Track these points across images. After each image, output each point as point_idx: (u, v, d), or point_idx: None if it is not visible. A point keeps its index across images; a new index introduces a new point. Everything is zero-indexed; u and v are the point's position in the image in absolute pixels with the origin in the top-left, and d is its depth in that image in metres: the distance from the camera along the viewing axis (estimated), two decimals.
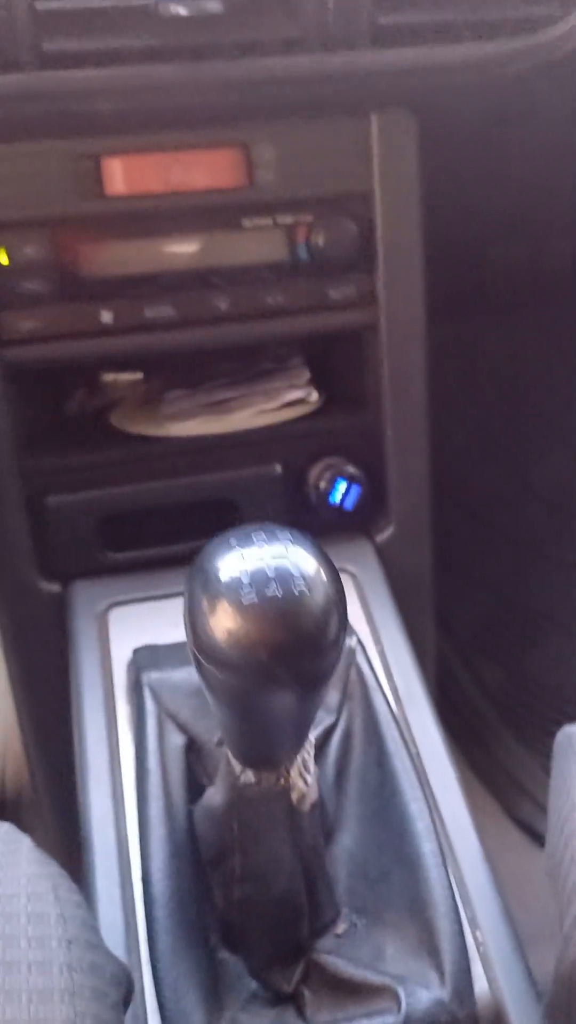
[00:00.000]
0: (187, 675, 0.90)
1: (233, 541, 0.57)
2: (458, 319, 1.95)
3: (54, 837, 1.27)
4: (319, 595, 0.55)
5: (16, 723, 1.21)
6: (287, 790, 0.65)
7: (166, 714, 0.87)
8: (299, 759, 0.65)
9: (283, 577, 0.55)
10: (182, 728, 0.87)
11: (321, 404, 1.14)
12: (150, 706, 0.88)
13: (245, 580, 0.54)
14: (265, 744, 0.62)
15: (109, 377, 1.22)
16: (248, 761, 0.64)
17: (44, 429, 1.08)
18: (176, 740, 0.85)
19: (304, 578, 0.55)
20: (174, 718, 0.87)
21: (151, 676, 0.90)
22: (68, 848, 1.23)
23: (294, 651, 0.54)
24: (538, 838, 1.43)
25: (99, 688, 0.94)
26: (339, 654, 0.57)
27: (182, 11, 0.80)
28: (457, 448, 2.10)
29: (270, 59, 0.85)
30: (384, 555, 1.12)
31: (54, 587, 1.07)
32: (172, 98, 0.87)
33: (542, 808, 1.47)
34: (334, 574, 0.58)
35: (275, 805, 0.66)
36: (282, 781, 0.64)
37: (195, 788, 0.84)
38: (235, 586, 0.55)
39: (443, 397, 2.04)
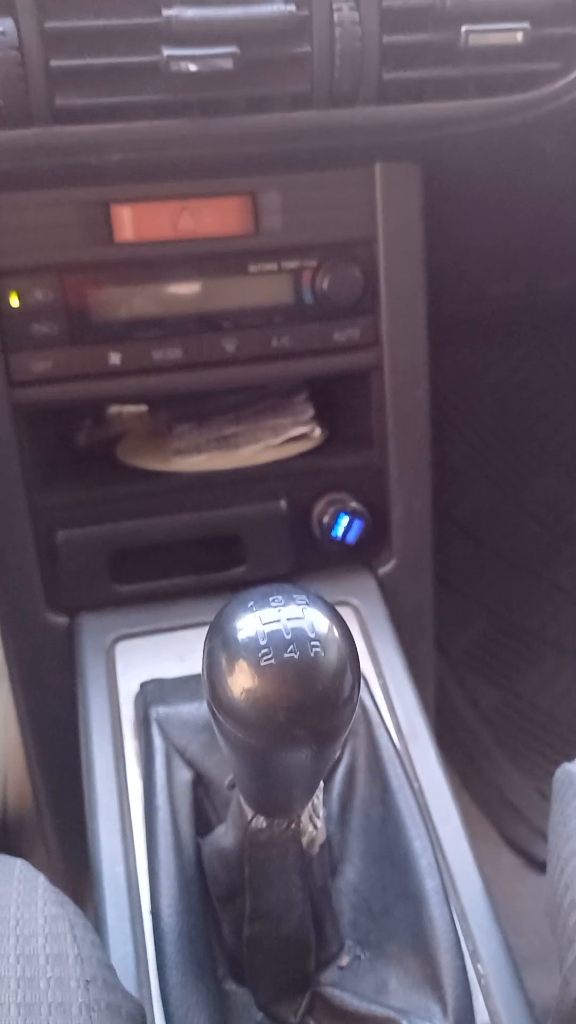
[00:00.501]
0: (195, 710, 0.92)
1: (251, 603, 0.59)
2: (455, 343, 1.98)
3: (56, 861, 1.29)
4: (334, 655, 0.58)
5: (19, 748, 1.23)
6: (298, 835, 0.67)
7: (174, 749, 0.89)
8: (309, 804, 0.67)
9: (299, 639, 0.57)
10: (190, 763, 0.88)
11: (324, 439, 1.16)
12: (158, 742, 0.89)
13: (263, 642, 0.57)
14: (279, 795, 0.64)
15: (115, 410, 1.24)
16: (261, 809, 0.66)
17: (53, 463, 1.10)
18: (184, 776, 0.87)
19: (319, 639, 0.57)
20: (182, 753, 0.89)
21: (159, 711, 0.92)
22: (69, 871, 1.25)
23: (311, 711, 0.57)
24: (533, 861, 1.45)
25: (107, 723, 0.96)
26: (353, 710, 0.60)
27: (192, 68, 0.82)
28: (453, 467, 2.13)
29: (278, 114, 0.88)
30: (386, 587, 1.15)
31: (61, 619, 1.09)
32: (182, 151, 0.89)
33: (536, 831, 1.49)
34: (347, 634, 0.60)
35: (286, 849, 0.68)
36: (293, 826, 0.67)
37: (203, 822, 0.86)
38: (254, 647, 0.57)
39: (439, 417, 2.07)
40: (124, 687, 1.00)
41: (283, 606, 0.59)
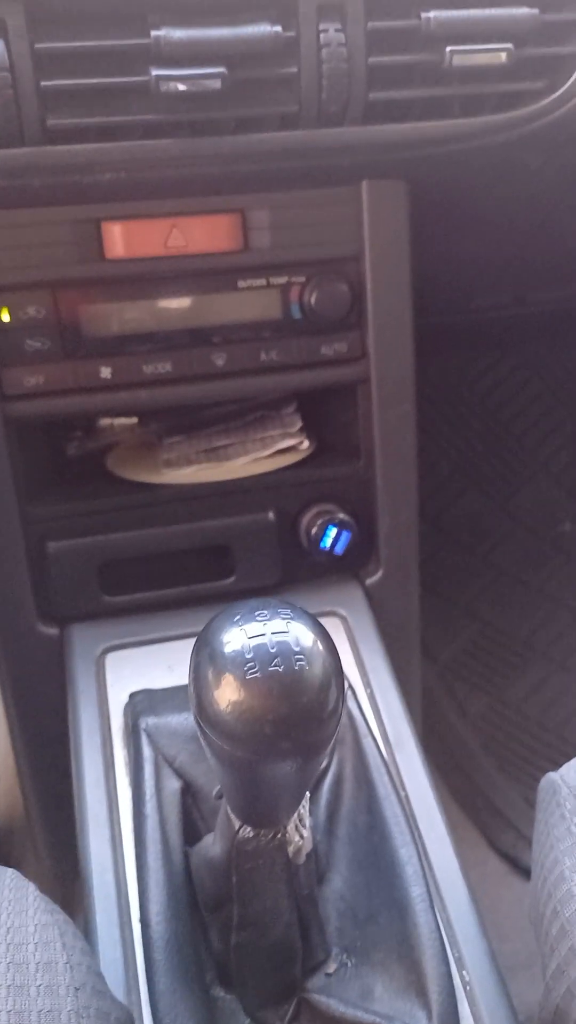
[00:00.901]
0: (183, 720, 0.93)
1: (237, 617, 0.60)
2: (445, 351, 2.00)
3: (46, 868, 1.30)
4: (318, 669, 0.59)
5: (10, 757, 1.24)
6: (284, 845, 0.68)
7: (163, 759, 0.90)
8: (296, 814, 0.69)
9: (284, 653, 0.58)
10: (178, 773, 0.90)
11: (312, 451, 1.18)
12: (147, 751, 0.91)
13: (249, 655, 0.58)
14: (265, 806, 0.65)
15: (106, 421, 1.25)
16: (248, 820, 0.67)
17: (44, 475, 1.11)
18: (172, 785, 0.88)
19: (304, 653, 0.59)
20: (170, 763, 0.90)
21: (148, 721, 0.93)
22: (59, 878, 1.26)
23: (296, 724, 0.58)
24: (519, 868, 1.46)
25: (97, 733, 0.97)
26: (338, 723, 0.61)
27: (181, 87, 0.84)
28: (441, 476, 2.14)
29: (267, 134, 0.89)
30: (373, 598, 1.16)
31: (52, 630, 1.10)
32: (172, 170, 0.91)
33: (523, 837, 1.50)
34: (332, 648, 0.61)
35: (273, 858, 0.69)
36: (280, 836, 0.68)
37: (191, 831, 0.87)
38: (239, 661, 0.58)
39: (428, 426, 2.09)
40: (114, 697, 1.01)
41: (268, 620, 0.60)
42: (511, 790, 1.61)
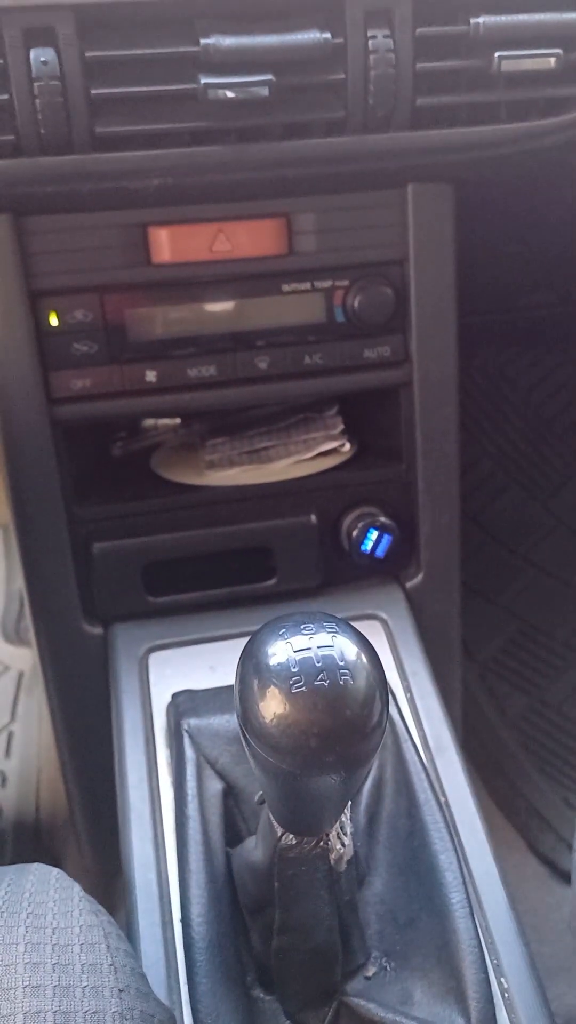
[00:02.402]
0: (225, 721, 0.94)
1: (283, 630, 0.61)
2: (487, 348, 1.99)
3: (88, 862, 1.31)
4: (363, 683, 0.59)
5: (53, 753, 1.26)
6: (326, 852, 0.69)
7: (205, 760, 0.91)
8: (338, 822, 0.69)
9: (329, 667, 0.59)
10: (220, 774, 0.90)
11: (354, 453, 1.18)
12: (189, 752, 0.92)
13: (294, 669, 0.58)
14: (308, 816, 0.66)
15: (150, 421, 1.26)
16: (290, 828, 0.67)
17: (90, 476, 1.12)
18: (215, 786, 0.89)
19: (348, 667, 0.59)
20: (213, 764, 0.91)
21: (190, 722, 0.94)
22: (101, 872, 1.28)
23: (340, 738, 0.58)
24: (559, 871, 1.45)
25: (140, 733, 0.98)
26: (382, 736, 0.61)
27: (229, 95, 0.84)
28: (483, 473, 2.13)
29: (313, 140, 0.89)
30: (414, 601, 1.16)
31: (96, 629, 1.12)
32: (218, 176, 0.91)
33: (564, 841, 1.50)
34: (376, 661, 0.62)
35: (315, 866, 0.69)
36: (322, 844, 0.68)
37: (233, 832, 0.88)
38: (285, 675, 0.59)
39: (470, 423, 2.08)
40: (157, 697, 1.02)
41: (314, 634, 0.60)
42: (551, 792, 1.60)
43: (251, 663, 0.61)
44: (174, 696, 1.00)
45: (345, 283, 1.03)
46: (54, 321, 0.99)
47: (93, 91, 0.84)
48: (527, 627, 1.97)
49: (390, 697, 0.98)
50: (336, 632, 0.61)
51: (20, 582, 1.13)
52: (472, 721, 1.77)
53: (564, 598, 2.01)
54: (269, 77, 0.83)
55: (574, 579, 2.04)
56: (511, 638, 1.95)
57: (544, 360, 2.10)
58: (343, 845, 0.70)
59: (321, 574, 1.14)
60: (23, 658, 1.76)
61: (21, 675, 1.76)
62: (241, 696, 0.61)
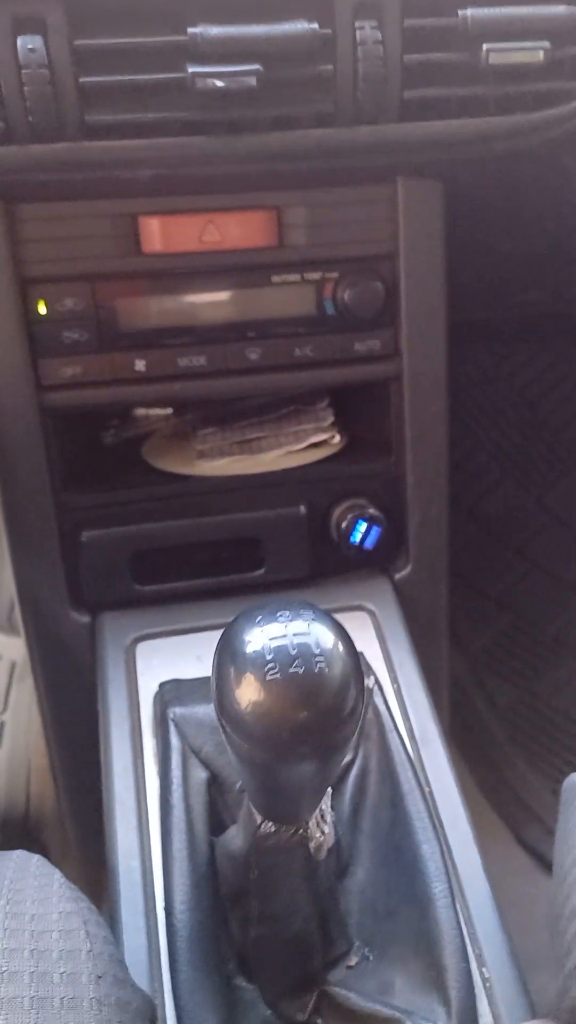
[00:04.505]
0: (210, 710, 0.93)
1: (259, 617, 0.61)
2: (482, 343, 1.99)
3: (75, 851, 1.32)
4: (338, 671, 0.60)
5: (42, 743, 1.26)
6: (305, 840, 0.69)
7: (190, 749, 0.92)
8: (317, 810, 0.69)
9: (305, 655, 0.59)
10: (205, 763, 0.91)
11: (344, 445, 1.18)
12: (175, 741, 0.92)
13: (269, 657, 0.59)
14: (286, 803, 0.66)
15: (141, 411, 1.26)
16: (269, 815, 0.68)
17: (80, 464, 1.12)
18: (199, 775, 0.90)
19: (324, 655, 0.59)
20: (198, 753, 0.91)
21: (176, 711, 0.95)
22: (88, 862, 1.28)
23: (315, 726, 0.59)
24: (545, 863, 1.46)
25: (126, 721, 0.98)
26: (357, 723, 0.62)
27: (218, 84, 0.84)
28: (478, 466, 2.14)
29: (302, 132, 0.89)
30: (402, 592, 1.16)
31: (84, 618, 1.12)
32: (208, 167, 0.91)
33: (549, 832, 1.50)
34: (352, 649, 0.62)
35: (293, 854, 0.70)
36: (301, 832, 0.69)
37: (217, 821, 0.88)
38: (260, 662, 0.59)
39: (466, 417, 2.08)
40: (144, 686, 1.02)
41: (289, 621, 0.61)
42: (539, 784, 1.61)
43: (227, 651, 0.61)
44: (161, 685, 1.00)
45: (335, 276, 1.03)
46: (43, 309, 0.99)
47: (82, 79, 0.84)
48: (519, 620, 1.98)
49: (376, 688, 0.99)
50: (312, 620, 0.61)
51: (9, 570, 1.13)
52: (462, 712, 1.77)
53: (556, 592, 2.02)
54: (257, 67, 0.83)
55: (566, 573, 2.05)
56: (502, 631, 1.96)
57: (539, 357, 2.11)
58: (323, 833, 0.70)
59: (309, 565, 1.15)
60: (15, 647, 1.75)
61: (13, 665, 1.76)
62: (217, 684, 0.61)
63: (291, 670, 0.58)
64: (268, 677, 0.58)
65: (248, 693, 0.59)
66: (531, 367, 2.11)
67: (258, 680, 0.59)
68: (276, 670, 0.58)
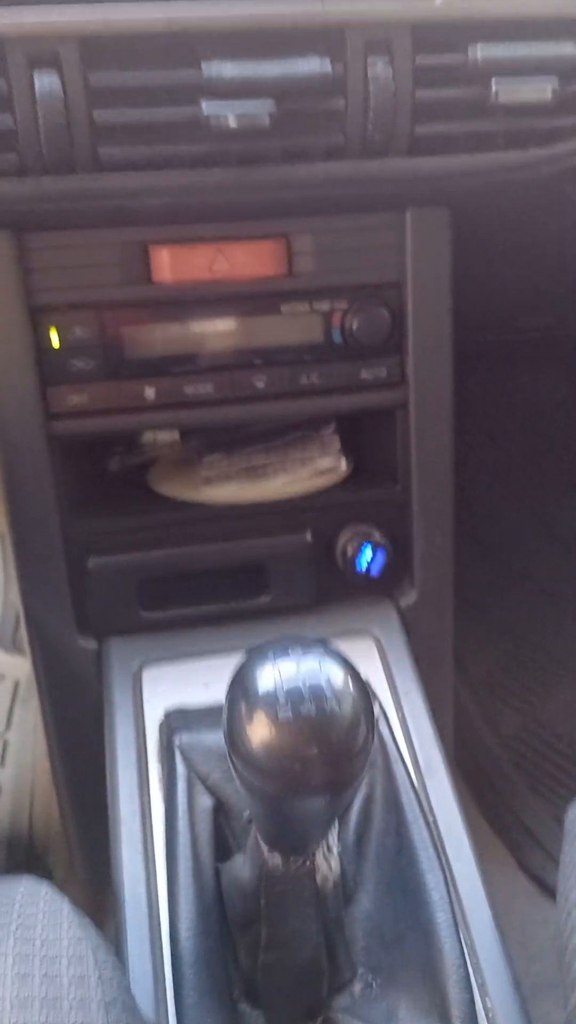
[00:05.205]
0: (217, 738, 0.94)
1: (270, 654, 0.62)
2: (484, 366, 2.00)
3: (79, 874, 1.32)
4: (348, 709, 0.60)
5: (47, 765, 1.26)
6: (313, 871, 0.70)
7: (196, 776, 0.92)
8: (324, 842, 0.70)
9: (316, 694, 0.60)
10: (211, 790, 0.91)
11: (350, 471, 1.19)
12: (180, 769, 0.92)
13: (281, 697, 0.59)
14: (294, 836, 0.67)
15: (148, 436, 1.27)
16: (277, 848, 0.68)
17: (86, 491, 1.13)
18: (205, 802, 0.90)
19: (335, 694, 0.60)
20: (204, 781, 0.92)
21: (182, 738, 0.95)
22: (92, 884, 1.28)
23: (326, 763, 0.59)
24: (547, 889, 1.46)
25: (132, 748, 0.99)
26: (367, 759, 0.62)
27: (232, 123, 0.85)
28: (479, 488, 2.14)
29: (312, 165, 0.90)
30: (407, 619, 1.17)
31: (90, 644, 1.13)
32: (218, 197, 0.92)
33: (552, 859, 1.50)
34: (362, 687, 0.63)
35: (301, 884, 0.70)
36: (308, 863, 0.69)
37: (223, 848, 0.89)
38: (272, 701, 0.60)
39: (468, 438, 2.09)
40: (150, 713, 1.02)
41: (301, 659, 0.61)
42: (542, 810, 1.61)
43: (239, 688, 0.62)
44: (167, 713, 1.01)
45: (343, 304, 1.04)
46: (53, 337, 1.00)
47: (96, 115, 0.85)
48: (521, 643, 1.98)
49: (381, 716, 0.99)
50: (323, 657, 0.62)
51: (16, 592, 1.13)
52: (464, 738, 1.77)
53: (559, 616, 2.02)
54: (270, 104, 0.85)
55: (569, 596, 2.05)
56: (505, 654, 1.96)
57: (542, 378, 2.12)
58: (330, 865, 0.70)
59: (315, 591, 1.15)
60: (19, 667, 1.76)
61: (17, 684, 1.76)
62: (229, 720, 0.62)
63: (302, 709, 0.59)
64: (280, 716, 0.59)
65: (260, 731, 0.59)
66: (533, 390, 2.13)
67: (270, 719, 0.59)
68: (288, 709, 0.59)
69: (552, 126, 0.93)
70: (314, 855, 0.69)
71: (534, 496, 2.16)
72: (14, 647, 1.83)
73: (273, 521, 1.13)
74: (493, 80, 0.88)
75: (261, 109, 0.84)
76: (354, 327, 1.04)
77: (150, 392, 1.04)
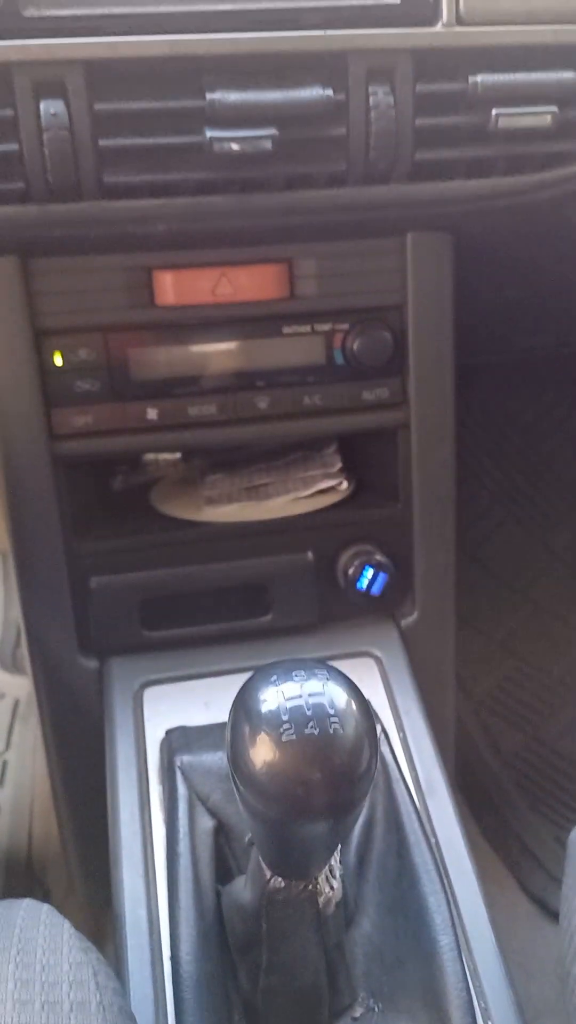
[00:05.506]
0: (218, 759, 0.95)
1: (274, 677, 0.62)
2: (485, 385, 2.01)
3: (79, 893, 1.32)
4: (352, 731, 0.60)
5: (46, 783, 1.26)
6: (315, 895, 0.69)
7: (197, 797, 0.92)
8: (327, 866, 0.70)
9: (319, 715, 0.60)
10: (212, 811, 0.91)
11: (351, 491, 1.19)
12: (181, 789, 0.92)
13: (284, 717, 0.60)
14: (297, 860, 0.67)
15: (151, 456, 1.28)
16: (279, 871, 0.68)
17: (90, 510, 1.13)
18: (206, 824, 0.90)
19: (339, 716, 0.60)
20: (204, 801, 0.92)
21: (183, 759, 0.95)
22: (92, 904, 1.28)
23: (329, 786, 0.59)
24: (548, 910, 1.46)
25: (133, 768, 0.99)
26: (371, 782, 0.62)
27: (234, 147, 0.86)
28: (481, 508, 2.15)
29: (315, 191, 0.91)
30: (408, 639, 1.17)
31: (92, 663, 1.13)
32: (222, 223, 0.93)
33: (553, 880, 1.50)
34: (365, 707, 0.63)
35: (303, 908, 0.70)
36: (310, 887, 0.69)
37: (224, 869, 0.89)
38: (275, 722, 0.60)
39: (468, 458, 2.09)
40: (151, 733, 1.03)
41: (305, 681, 0.61)
42: (543, 830, 1.60)
43: (242, 709, 0.62)
44: (168, 732, 1.01)
45: (345, 326, 1.05)
46: (58, 359, 1.01)
47: (101, 142, 0.86)
48: (523, 663, 1.97)
49: (382, 736, 0.99)
50: (327, 679, 0.62)
51: (17, 610, 1.14)
52: (466, 757, 1.77)
53: (560, 634, 2.02)
54: (273, 131, 0.85)
55: (570, 616, 2.05)
56: (507, 674, 1.96)
57: (543, 397, 2.12)
58: (331, 888, 0.70)
59: (316, 611, 1.16)
60: (19, 686, 1.76)
61: (17, 703, 1.77)
62: (232, 742, 0.62)
63: (306, 731, 0.59)
64: (283, 738, 0.59)
65: (263, 753, 0.60)
66: (533, 408, 2.13)
67: (273, 740, 0.59)
68: (291, 731, 0.59)
69: (552, 151, 0.93)
70: (317, 879, 0.69)
71: (535, 514, 2.16)
72: (14, 665, 1.84)
73: (275, 540, 1.13)
74: (493, 108, 0.89)
75: (264, 136, 0.85)
76: (355, 348, 1.05)
77: (153, 413, 1.04)
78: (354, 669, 1.12)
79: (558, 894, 0.83)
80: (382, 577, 1.14)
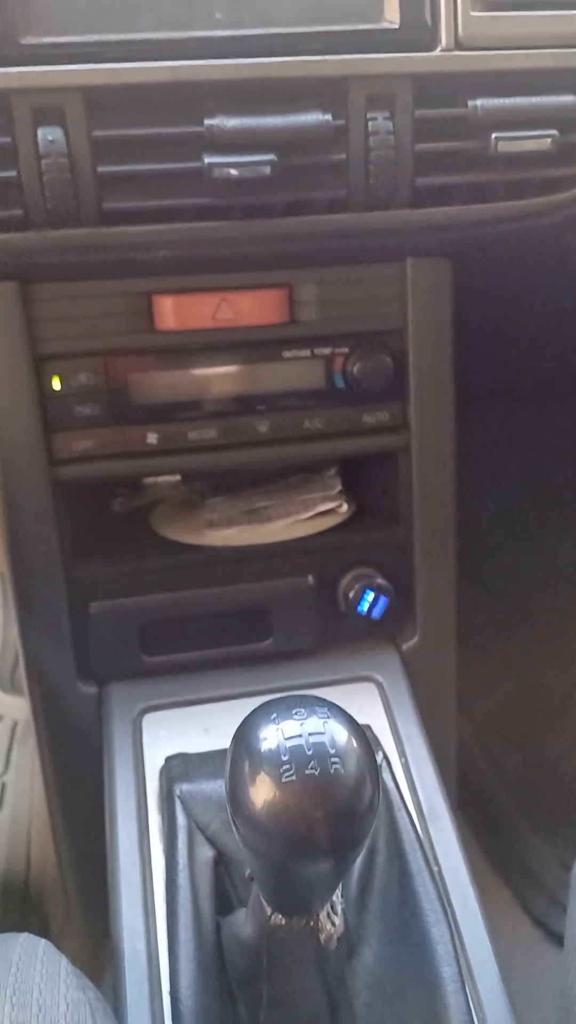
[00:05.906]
0: (218, 787, 0.94)
1: (274, 715, 0.61)
2: (484, 404, 2.01)
3: (77, 921, 1.30)
4: (353, 770, 0.60)
5: (44, 810, 1.25)
6: (316, 931, 0.69)
7: (196, 827, 0.91)
8: (328, 903, 0.69)
9: (320, 755, 0.59)
10: (211, 841, 0.90)
11: (351, 513, 1.19)
12: (181, 819, 0.92)
13: (285, 757, 0.59)
14: (298, 898, 0.66)
15: (150, 479, 1.27)
16: (280, 908, 0.67)
17: (89, 534, 1.13)
18: (206, 854, 0.89)
19: (339, 754, 0.59)
20: (204, 831, 0.91)
21: (182, 788, 0.94)
22: (90, 932, 1.27)
23: (330, 826, 0.59)
24: (551, 934, 1.44)
25: (132, 796, 0.98)
26: (373, 820, 0.62)
27: (233, 173, 0.86)
28: (481, 527, 2.14)
29: (315, 217, 0.91)
30: (409, 663, 1.16)
31: (91, 689, 1.12)
32: (222, 249, 0.93)
33: (556, 903, 1.49)
34: (367, 747, 0.62)
35: (304, 944, 0.69)
36: (311, 923, 0.68)
37: (224, 900, 0.88)
38: (275, 762, 0.59)
39: (468, 477, 2.09)
40: (150, 760, 1.02)
41: (305, 719, 0.61)
42: (546, 852, 1.59)
43: (242, 747, 0.61)
44: (167, 760, 1.00)
45: (345, 351, 1.05)
46: (57, 385, 1.00)
47: (100, 169, 0.86)
48: (524, 683, 1.96)
49: (384, 763, 0.99)
50: (327, 717, 0.61)
51: (15, 631, 1.13)
52: (467, 779, 1.75)
53: (561, 653, 2.01)
54: (272, 157, 0.85)
55: (571, 634, 2.04)
56: (508, 694, 1.95)
57: (542, 416, 2.12)
58: (333, 924, 0.70)
59: (317, 635, 1.15)
60: (18, 707, 1.75)
61: (15, 725, 1.75)
62: (231, 780, 0.61)
63: (307, 771, 0.58)
64: (284, 778, 0.58)
65: (263, 793, 0.59)
66: (532, 426, 2.13)
67: (273, 781, 0.59)
68: (292, 771, 0.58)
69: (551, 176, 0.93)
70: (318, 914, 0.68)
71: (536, 535, 2.15)
72: (13, 686, 1.82)
73: (275, 564, 1.13)
74: (493, 132, 0.89)
75: (263, 161, 0.85)
76: (356, 372, 1.04)
77: (153, 438, 1.04)
78: (355, 694, 1.11)
79: (561, 918, 0.82)
80: (383, 600, 1.13)
